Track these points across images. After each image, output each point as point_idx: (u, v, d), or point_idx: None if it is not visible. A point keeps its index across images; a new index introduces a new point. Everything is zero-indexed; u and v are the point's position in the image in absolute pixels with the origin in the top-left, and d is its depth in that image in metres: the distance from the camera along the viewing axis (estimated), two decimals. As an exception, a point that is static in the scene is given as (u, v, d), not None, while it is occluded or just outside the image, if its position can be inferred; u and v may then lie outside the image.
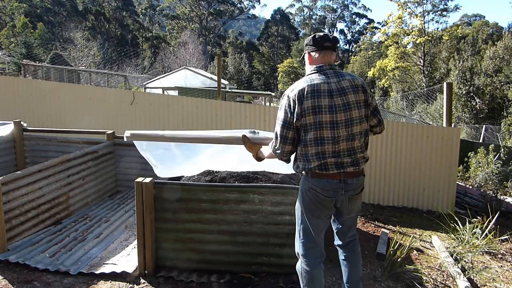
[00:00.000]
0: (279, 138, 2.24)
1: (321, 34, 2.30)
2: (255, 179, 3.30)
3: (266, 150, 2.52)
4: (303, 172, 2.27)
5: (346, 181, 2.19)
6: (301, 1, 66.62)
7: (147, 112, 6.70)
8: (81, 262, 3.16)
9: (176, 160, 3.26)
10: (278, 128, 2.24)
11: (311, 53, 2.29)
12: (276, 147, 2.29)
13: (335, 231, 2.49)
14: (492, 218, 4.31)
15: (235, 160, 3.24)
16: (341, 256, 2.50)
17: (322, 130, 2.15)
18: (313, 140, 2.16)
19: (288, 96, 2.21)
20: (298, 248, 2.40)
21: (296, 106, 2.16)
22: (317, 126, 2.15)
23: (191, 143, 3.07)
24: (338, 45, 2.39)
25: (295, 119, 2.17)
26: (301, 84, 2.20)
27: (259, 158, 2.62)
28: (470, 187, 7.85)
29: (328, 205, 2.23)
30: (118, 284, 2.87)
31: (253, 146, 2.60)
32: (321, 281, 2.36)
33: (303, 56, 2.38)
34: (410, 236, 4.20)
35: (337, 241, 2.50)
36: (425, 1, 33.50)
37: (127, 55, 35.18)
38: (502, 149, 7.87)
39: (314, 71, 2.26)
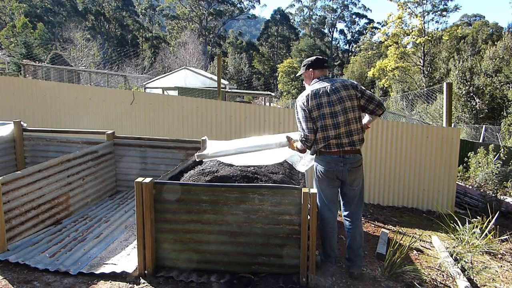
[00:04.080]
0: (304, 130, 3.03)
1: (320, 57, 3.25)
2: (255, 179, 3.29)
3: (298, 144, 3.23)
4: (314, 153, 3.08)
5: (344, 156, 3.00)
6: (301, 1, 66.60)
7: (147, 112, 6.70)
8: (81, 262, 3.15)
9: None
10: (300, 124, 3.07)
11: (315, 70, 3.16)
12: (302, 137, 3.05)
13: (341, 202, 3.23)
14: (492, 218, 4.31)
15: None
16: (346, 228, 3.19)
17: (325, 119, 2.97)
18: (319, 127, 2.99)
19: (299, 101, 3.08)
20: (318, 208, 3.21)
21: (306, 106, 3.01)
22: (321, 117, 2.97)
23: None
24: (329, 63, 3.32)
25: (308, 114, 2.99)
26: (307, 91, 3.09)
27: (300, 151, 3.29)
28: (470, 187, 7.85)
29: (331, 175, 3.03)
30: (118, 284, 2.87)
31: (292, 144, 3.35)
32: (333, 234, 3.15)
33: (303, 72, 3.21)
34: (410, 236, 4.21)
35: (344, 212, 3.22)
36: (425, 1, 33.52)
37: (127, 55, 35.17)
38: (502, 149, 7.88)
39: (315, 82, 3.13)
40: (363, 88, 3.12)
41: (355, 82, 3.15)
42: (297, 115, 3.10)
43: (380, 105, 3.09)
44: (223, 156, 3.46)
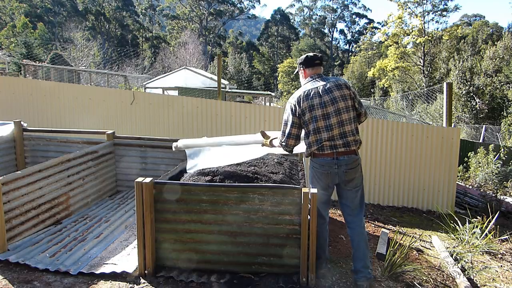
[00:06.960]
0: (285, 134, 2.96)
1: (311, 54, 3.07)
2: (255, 179, 3.30)
3: (275, 141, 3.21)
4: (309, 156, 2.98)
5: (338, 158, 2.87)
6: (301, 1, 66.65)
7: (147, 112, 6.70)
8: (81, 262, 3.15)
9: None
10: (284, 127, 2.98)
11: (306, 69, 3.03)
12: (282, 141, 3.00)
13: (341, 207, 3.10)
14: (492, 218, 4.32)
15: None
16: (350, 237, 3.05)
17: (318, 122, 2.86)
18: (312, 130, 2.88)
19: (290, 103, 2.96)
20: None
21: (297, 108, 2.90)
22: (314, 119, 2.86)
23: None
24: (324, 60, 3.12)
25: (297, 119, 2.90)
26: (298, 92, 2.96)
27: (272, 145, 3.25)
28: (470, 187, 7.84)
29: (325, 179, 2.92)
30: (118, 284, 2.87)
31: (271, 142, 3.28)
32: (323, 236, 3.09)
33: (297, 72, 3.09)
34: (410, 236, 4.21)
35: (345, 219, 3.09)
36: (425, 1, 33.52)
37: (127, 55, 35.20)
38: (502, 149, 7.88)
39: (307, 81, 3.00)
40: (354, 90, 3.04)
41: (348, 82, 3.04)
42: (284, 115, 3.00)
43: (365, 114, 3.04)
44: (196, 147, 3.76)
